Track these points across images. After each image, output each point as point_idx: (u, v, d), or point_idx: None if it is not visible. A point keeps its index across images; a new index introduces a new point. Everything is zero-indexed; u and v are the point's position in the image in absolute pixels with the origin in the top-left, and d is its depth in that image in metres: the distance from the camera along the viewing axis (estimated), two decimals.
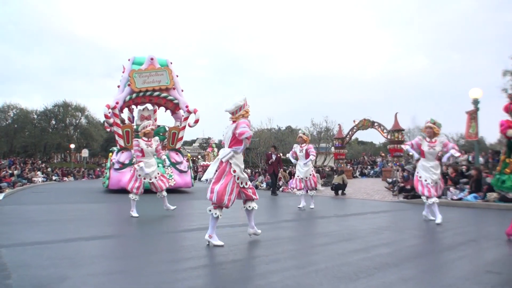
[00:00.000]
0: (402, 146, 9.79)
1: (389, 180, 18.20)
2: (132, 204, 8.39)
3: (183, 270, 3.96)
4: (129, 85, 17.26)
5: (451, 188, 13.09)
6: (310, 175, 10.30)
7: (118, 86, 18.02)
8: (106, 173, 17.31)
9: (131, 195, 8.41)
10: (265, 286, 3.42)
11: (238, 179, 5.25)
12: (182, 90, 18.56)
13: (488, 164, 17.69)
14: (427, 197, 7.56)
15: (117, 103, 16.79)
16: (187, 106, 17.86)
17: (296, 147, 10.42)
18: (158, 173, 8.94)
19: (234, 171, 5.20)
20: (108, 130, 19.64)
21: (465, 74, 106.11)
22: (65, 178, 34.78)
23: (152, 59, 17.92)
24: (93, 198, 14.29)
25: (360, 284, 3.47)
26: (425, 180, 7.60)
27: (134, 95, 17.44)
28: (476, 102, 14.51)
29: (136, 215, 8.24)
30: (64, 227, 7.03)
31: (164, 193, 8.84)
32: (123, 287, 3.43)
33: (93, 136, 57.52)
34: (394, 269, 4.05)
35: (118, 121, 17.00)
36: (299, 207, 10.21)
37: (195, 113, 17.83)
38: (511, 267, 4.12)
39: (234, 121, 5.42)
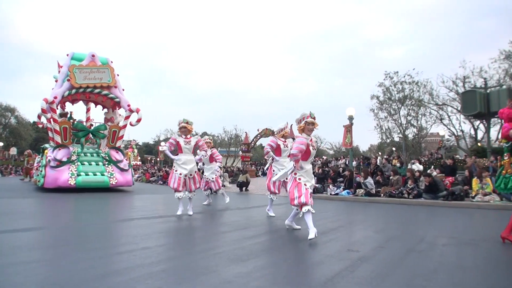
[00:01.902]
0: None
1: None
2: (180, 203, 7.47)
3: (98, 257, 3.79)
4: (68, 80, 14.89)
5: (330, 186, 13.95)
6: (214, 177, 9.60)
7: (56, 81, 15.50)
8: (41, 171, 14.59)
9: (177, 194, 7.37)
10: (168, 269, 3.39)
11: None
12: (123, 89, 16.42)
13: (360, 167, 19.09)
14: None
15: (55, 97, 14.33)
16: (129, 105, 15.73)
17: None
18: (195, 171, 7.60)
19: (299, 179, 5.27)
20: (41, 126, 16.72)
21: (344, 96, 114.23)
22: None
23: (93, 55, 15.58)
24: (20, 194, 13.02)
25: (249, 264, 3.59)
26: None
27: (73, 90, 15.01)
28: (351, 118, 15.64)
29: (180, 212, 7.34)
30: None
31: (193, 194, 7.68)
32: (40, 276, 3.20)
33: (22, 135, 52.53)
34: (279, 251, 4.25)
35: (56, 117, 14.51)
36: (204, 204, 9.80)
37: (137, 113, 15.73)
38: (366, 246, 4.50)
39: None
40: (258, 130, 29.11)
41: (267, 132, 27.73)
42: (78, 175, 14.07)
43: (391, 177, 12.85)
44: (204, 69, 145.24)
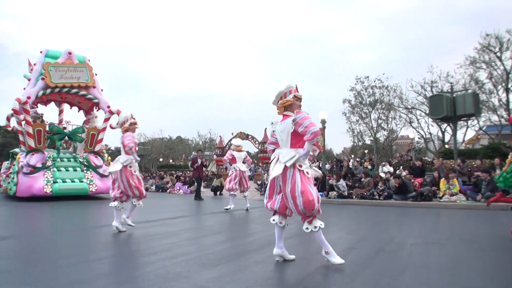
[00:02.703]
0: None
1: (259, 182, 18.94)
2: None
3: (66, 266, 3.69)
4: (43, 79, 13.50)
5: None
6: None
7: (29, 80, 14.04)
8: (13, 178, 13.08)
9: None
10: (139, 276, 3.34)
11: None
12: (102, 90, 15.07)
13: (332, 170, 19.36)
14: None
15: (28, 97, 12.95)
16: (108, 106, 14.50)
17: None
18: None
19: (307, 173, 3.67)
20: (10, 129, 15.45)
21: (317, 99, 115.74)
22: None
23: (70, 53, 14.24)
24: None
25: (221, 269, 3.58)
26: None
27: (48, 90, 13.61)
28: (323, 121, 15.88)
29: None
30: None
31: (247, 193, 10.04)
32: (5, 286, 3.09)
33: None
34: (251, 254, 4.25)
35: (29, 118, 13.14)
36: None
37: (118, 114, 14.24)
38: (338, 247, 4.55)
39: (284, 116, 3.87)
40: (232, 133, 29.05)
41: (241, 136, 27.73)
42: (55, 182, 12.90)
43: (362, 179, 13.10)
44: (177, 73, 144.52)
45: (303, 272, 3.42)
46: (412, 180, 12.42)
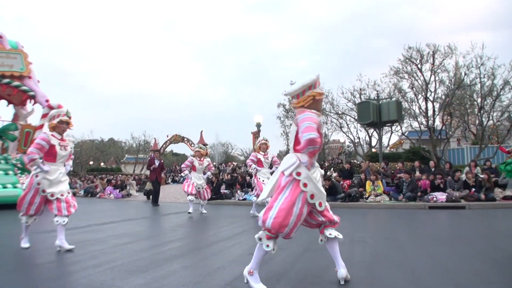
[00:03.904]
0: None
1: None
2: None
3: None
4: None
5: (239, 191, 14.18)
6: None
7: None
8: None
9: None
10: (63, 285, 3.17)
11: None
12: (39, 81, 13.21)
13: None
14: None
15: None
16: (47, 100, 12.63)
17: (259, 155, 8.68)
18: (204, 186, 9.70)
19: (305, 185, 2.97)
20: None
21: (252, 103, 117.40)
22: None
23: (0, 36, 12.25)
24: None
25: (149, 275, 3.50)
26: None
27: None
28: (258, 125, 16.15)
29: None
30: None
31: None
32: None
33: None
34: (180, 259, 4.19)
35: None
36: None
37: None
38: None
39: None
40: (167, 136, 28.51)
41: (176, 138, 27.32)
42: None
43: None
44: (109, 71, 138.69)
45: (232, 275, 3.45)
46: (341, 182, 13.05)
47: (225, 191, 14.71)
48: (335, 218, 3.23)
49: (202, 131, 26.68)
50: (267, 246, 3.00)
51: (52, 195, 4.77)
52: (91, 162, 47.18)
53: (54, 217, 4.80)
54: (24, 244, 4.96)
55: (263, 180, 8.47)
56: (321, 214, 3.15)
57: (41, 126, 13.10)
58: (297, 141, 3.04)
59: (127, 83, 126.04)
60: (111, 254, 4.55)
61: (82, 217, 9.21)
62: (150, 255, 4.38)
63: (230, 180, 15.95)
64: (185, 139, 27.72)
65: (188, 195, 9.50)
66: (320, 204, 3.05)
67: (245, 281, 3.10)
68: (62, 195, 4.86)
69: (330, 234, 3.19)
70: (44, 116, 12.88)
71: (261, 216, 3.01)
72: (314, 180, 2.99)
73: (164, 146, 29.54)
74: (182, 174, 10.66)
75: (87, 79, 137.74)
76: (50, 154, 4.84)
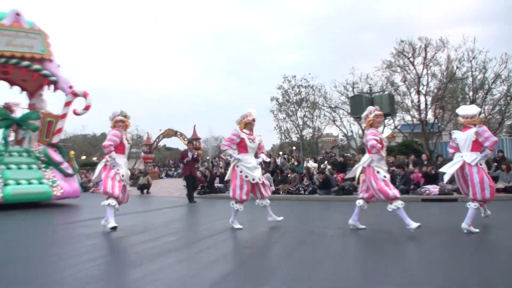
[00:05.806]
0: None
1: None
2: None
3: None
4: None
5: None
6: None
7: None
8: None
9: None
10: (58, 280, 3.15)
11: None
12: (59, 66, 11.58)
13: (261, 166, 19.66)
14: None
15: None
16: (71, 87, 11.19)
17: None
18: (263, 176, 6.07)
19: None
20: None
21: (245, 96, 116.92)
22: None
23: (18, 14, 10.65)
24: None
25: (143, 269, 3.48)
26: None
27: None
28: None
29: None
30: None
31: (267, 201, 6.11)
32: None
33: None
34: (175, 253, 4.18)
35: None
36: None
37: (86, 98, 11.29)
38: (261, 242, 4.69)
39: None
40: (160, 130, 28.44)
41: (169, 133, 27.26)
42: (5, 184, 9.59)
43: (289, 175, 13.53)
44: (99, 65, 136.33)
45: (226, 268, 3.45)
46: (335, 175, 13.11)
47: (219, 185, 14.71)
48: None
49: (195, 125, 26.70)
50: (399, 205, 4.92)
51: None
52: (83, 157, 46.85)
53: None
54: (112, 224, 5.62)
55: (246, 176, 5.69)
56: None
57: (64, 115, 11.67)
58: (474, 144, 5.00)
59: (118, 77, 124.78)
60: (105, 249, 4.54)
61: (76, 211, 9.17)
62: (145, 249, 4.37)
63: (224, 174, 15.94)
64: (178, 133, 27.66)
65: (236, 202, 5.91)
66: None
67: (464, 232, 4.81)
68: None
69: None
70: (68, 104, 11.47)
71: (479, 191, 4.90)
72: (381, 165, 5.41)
73: (157, 140, 29.47)
74: (222, 155, 7.97)
75: (77, 74, 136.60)
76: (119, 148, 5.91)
